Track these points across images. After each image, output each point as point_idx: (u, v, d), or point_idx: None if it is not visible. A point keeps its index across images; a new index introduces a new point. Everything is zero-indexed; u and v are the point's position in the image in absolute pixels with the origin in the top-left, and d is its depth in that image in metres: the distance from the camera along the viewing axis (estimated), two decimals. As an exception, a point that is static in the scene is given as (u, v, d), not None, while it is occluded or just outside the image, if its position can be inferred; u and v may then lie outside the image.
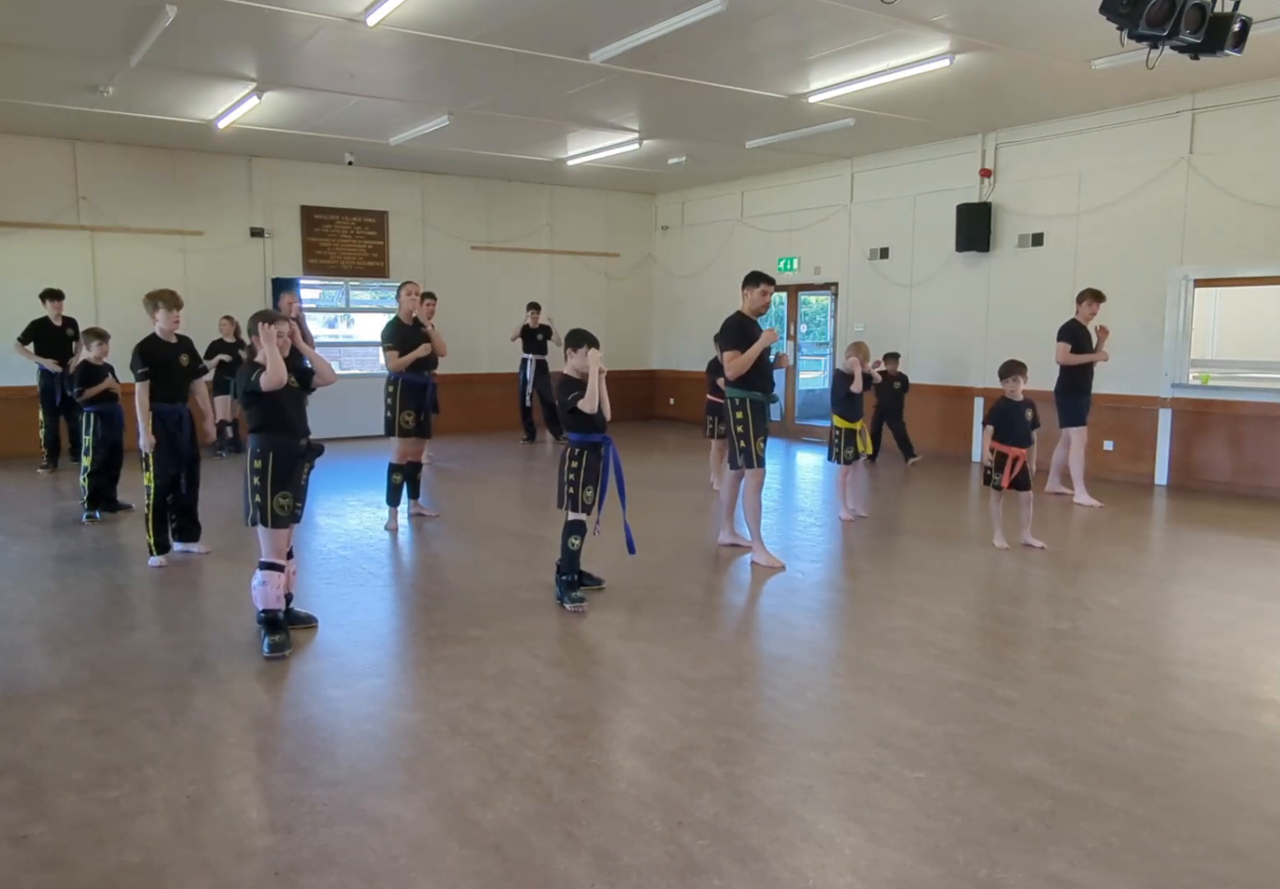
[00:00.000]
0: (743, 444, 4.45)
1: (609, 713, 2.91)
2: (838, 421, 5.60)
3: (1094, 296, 6.18)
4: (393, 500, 5.38)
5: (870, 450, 5.43)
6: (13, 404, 7.98)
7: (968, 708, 2.86)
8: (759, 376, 4.47)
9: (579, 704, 2.96)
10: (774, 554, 4.59)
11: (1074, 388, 6.16)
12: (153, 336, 4.41)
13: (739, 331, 4.48)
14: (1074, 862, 2.01)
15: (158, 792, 2.34)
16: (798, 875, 1.96)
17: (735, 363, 4.40)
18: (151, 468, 4.39)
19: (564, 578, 3.87)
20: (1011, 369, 4.84)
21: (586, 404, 3.68)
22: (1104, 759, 2.51)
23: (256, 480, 3.24)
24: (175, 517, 4.60)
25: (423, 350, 5.25)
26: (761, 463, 4.46)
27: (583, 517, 3.82)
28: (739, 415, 4.45)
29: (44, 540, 5.14)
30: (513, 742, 2.62)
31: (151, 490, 4.42)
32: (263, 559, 3.33)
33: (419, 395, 5.28)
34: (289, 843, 2.08)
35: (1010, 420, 4.80)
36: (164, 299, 4.37)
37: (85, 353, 5.41)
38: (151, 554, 4.47)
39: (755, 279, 4.55)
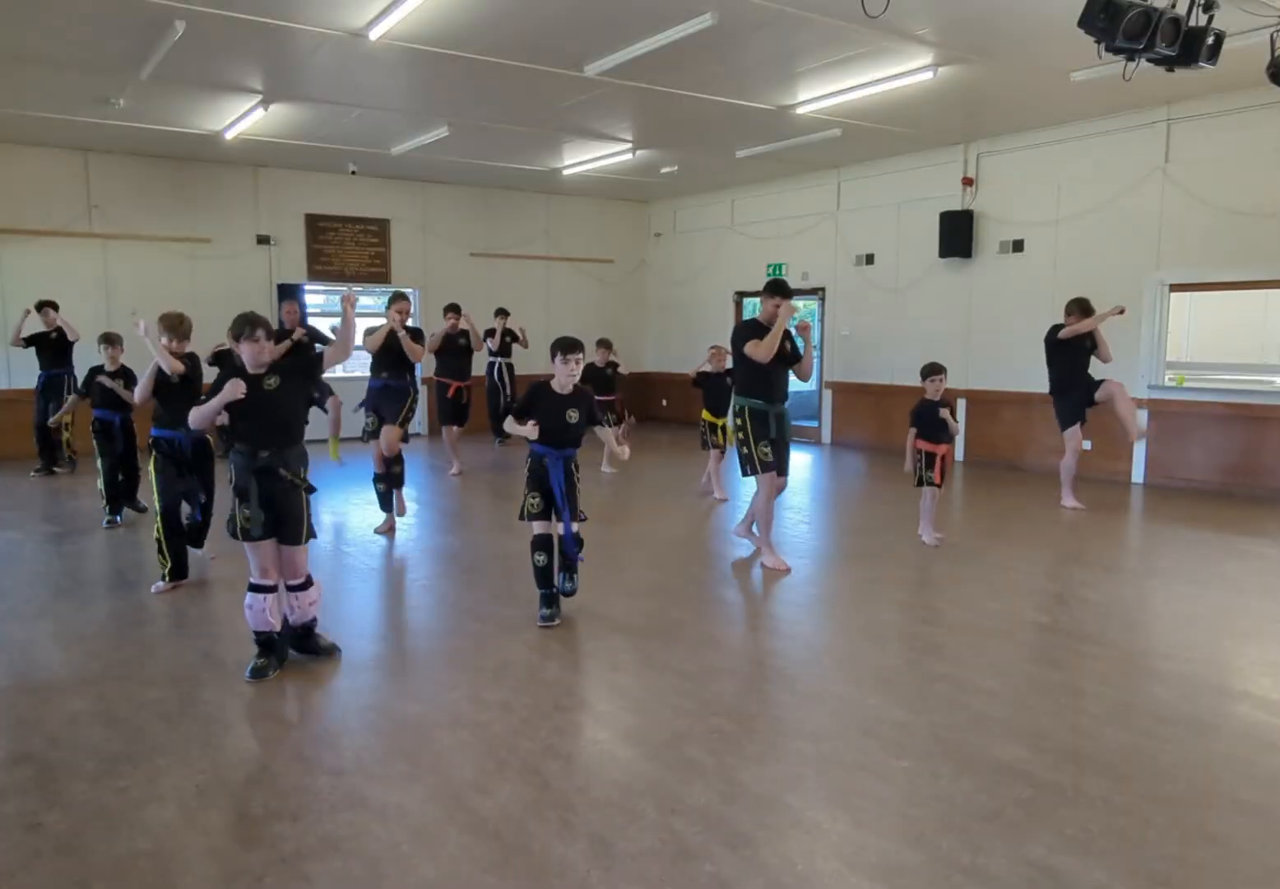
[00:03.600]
0: (744, 450, 4.42)
1: (604, 704, 2.96)
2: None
3: (1081, 310, 5.93)
4: (383, 506, 5.44)
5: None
6: (16, 406, 8.01)
7: (951, 699, 2.91)
8: (761, 384, 4.38)
9: (575, 695, 3.01)
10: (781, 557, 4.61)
11: (1061, 388, 6.10)
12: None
13: (755, 330, 4.40)
14: (1054, 847, 2.06)
15: (167, 781, 2.38)
16: (786, 861, 2.01)
17: (759, 349, 4.26)
18: (156, 494, 4.16)
19: (539, 591, 3.66)
20: (931, 370, 4.93)
21: (509, 426, 3.56)
22: (1083, 749, 2.56)
23: (232, 490, 3.09)
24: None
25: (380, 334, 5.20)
26: (766, 469, 4.38)
27: (540, 529, 3.58)
28: (738, 421, 4.43)
29: (57, 539, 5.20)
30: (511, 732, 2.67)
31: (157, 517, 4.14)
32: (250, 580, 3.12)
33: (373, 397, 5.31)
34: (294, 830, 2.12)
35: (931, 420, 4.92)
36: (160, 323, 4.11)
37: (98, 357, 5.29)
38: (163, 578, 4.16)
39: (768, 289, 4.45)
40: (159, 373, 4.06)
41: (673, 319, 11.53)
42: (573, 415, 3.58)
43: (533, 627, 3.63)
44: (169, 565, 4.16)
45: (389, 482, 5.43)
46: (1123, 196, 7.11)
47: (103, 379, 5.20)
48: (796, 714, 2.83)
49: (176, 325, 4.13)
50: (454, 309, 7.44)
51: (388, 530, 5.39)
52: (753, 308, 10.96)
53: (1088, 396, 6.10)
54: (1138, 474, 7.16)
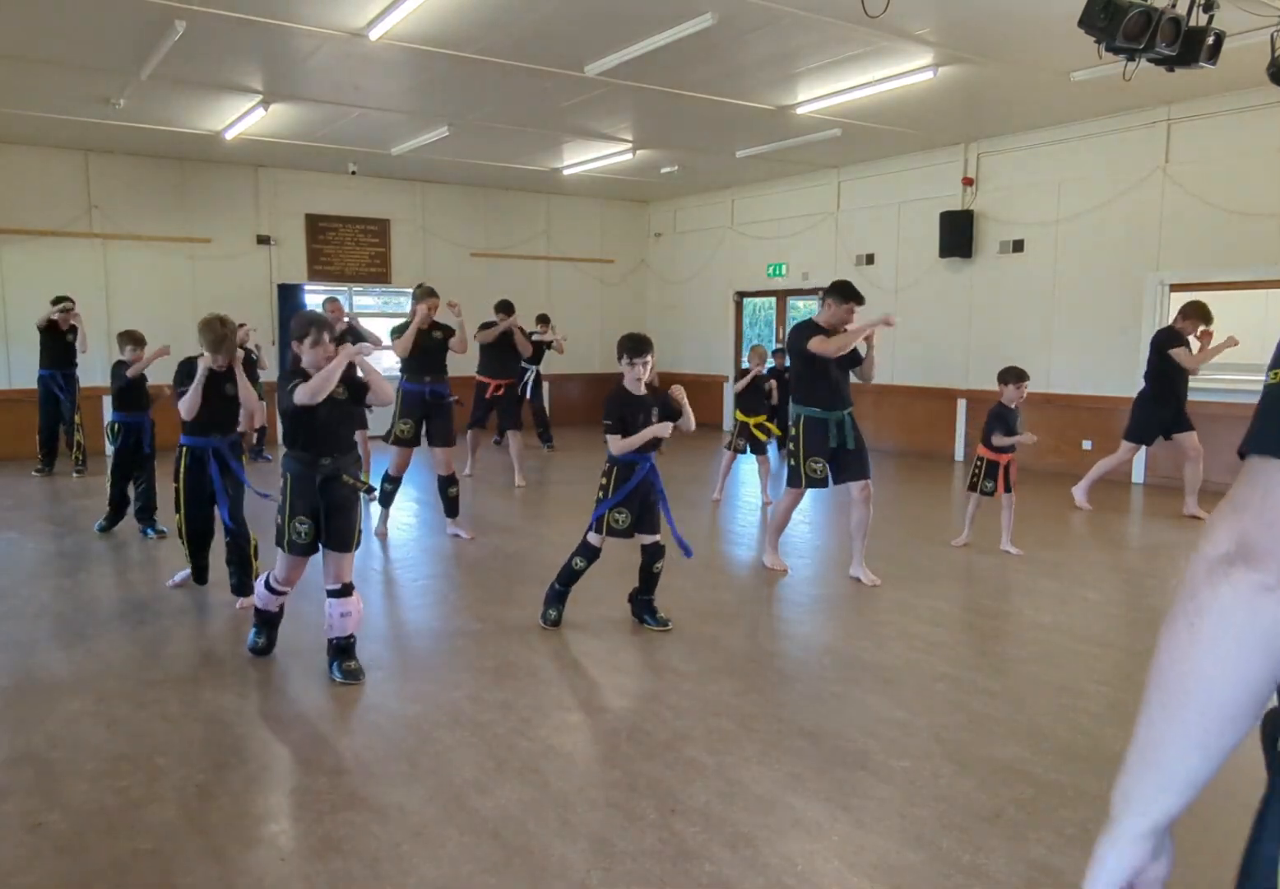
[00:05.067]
0: (791, 462, 4.26)
1: (603, 703, 2.97)
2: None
3: (1201, 316, 5.53)
4: (383, 502, 5.28)
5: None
6: (17, 406, 8.03)
7: (951, 699, 2.92)
8: (820, 390, 4.14)
9: (575, 695, 3.02)
10: (779, 557, 4.58)
11: (1152, 399, 5.78)
12: (191, 359, 3.76)
13: (815, 329, 4.17)
14: (1054, 847, 2.06)
15: (168, 781, 2.39)
16: (786, 861, 2.01)
17: (828, 345, 4.01)
18: (181, 508, 3.87)
19: (555, 587, 3.61)
20: (1011, 375, 4.72)
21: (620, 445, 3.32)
22: (1083, 748, 2.57)
23: (280, 499, 3.04)
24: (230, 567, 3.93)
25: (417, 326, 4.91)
26: (811, 485, 4.19)
27: (596, 539, 3.48)
28: (794, 431, 4.25)
29: (57, 538, 5.21)
30: (511, 732, 2.68)
31: (183, 530, 3.91)
32: (270, 576, 3.13)
33: (416, 402, 5.07)
34: (295, 830, 2.13)
35: (1007, 427, 4.74)
36: (203, 335, 3.64)
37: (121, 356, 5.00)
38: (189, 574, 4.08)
39: (840, 294, 4.19)
40: (209, 381, 3.65)
41: (673, 319, 11.54)
42: (653, 416, 3.44)
43: (533, 627, 3.64)
44: (194, 570, 4.06)
45: (397, 488, 5.30)
46: (1123, 197, 7.12)
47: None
48: (796, 714, 2.83)
49: (220, 342, 3.61)
50: (506, 308, 7.10)
51: (383, 534, 5.30)
52: (753, 308, 11.00)
53: (1171, 421, 5.75)
54: (1138, 474, 7.17)
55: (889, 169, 8.83)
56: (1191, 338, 5.69)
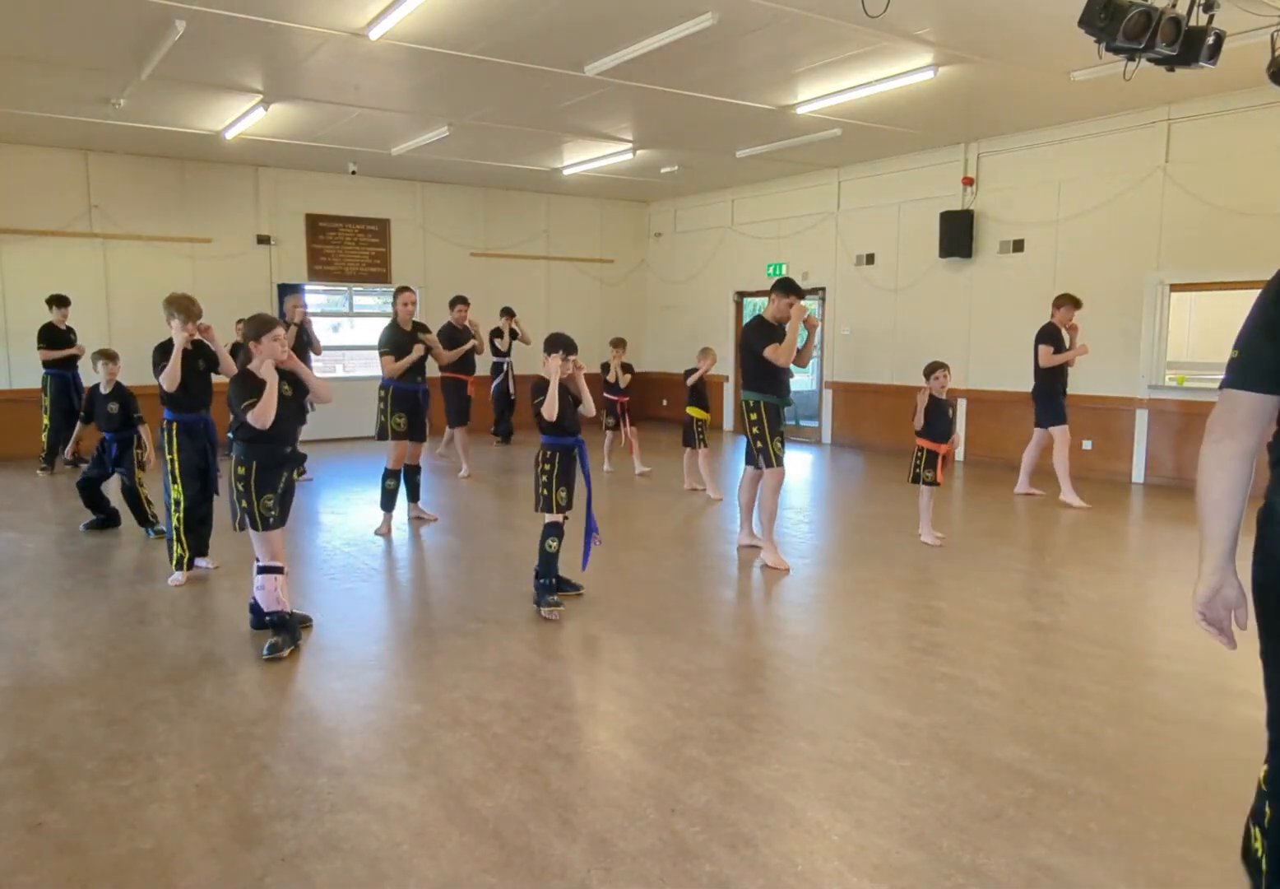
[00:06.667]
0: (760, 444, 4.51)
1: (604, 704, 2.97)
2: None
3: (1072, 302, 6.25)
4: (386, 505, 5.35)
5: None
6: (17, 406, 8.04)
7: (951, 699, 2.93)
8: (773, 380, 4.50)
9: (575, 695, 3.03)
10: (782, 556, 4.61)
11: (1053, 389, 6.29)
12: (170, 341, 4.12)
13: (769, 330, 4.50)
14: (1054, 847, 2.07)
15: (168, 780, 2.39)
16: (787, 861, 2.02)
17: (780, 350, 4.40)
18: (179, 480, 4.17)
19: (541, 581, 3.82)
20: (936, 367, 5.00)
21: (546, 410, 3.67)
22: (1083, 748, 2.57)
23: (241, 486, 3.25)
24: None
25: (417, 352, 5.25)
26: (780, 462, 4.52)
27: (558, 518, 3.81)
28: (753, 417, 4.51)
29: (57, 538, 5.21)
30: (511, 732, 2.68)
31: (181, 504, 4.18)
32: (261, 564, 3.34)
33: (410, 400, 5.28)
34: (295, 830, 2.13)
35: (938, 417, 4.97)
36: (177, 307, 4.06)
37: (95, 375, 5.14)
38: (174, 569, 4.25)
39: (782, 288, 4.50)
40: (185, 356, 4.07)
41: (673, 319, 11.55)
42: (570, 400, 3.84)
43: (532, 627, 3.65)
44: (186, 555, 4.26)
45: (399, 483, 5.40)
46: (1123, 196, 7.12)
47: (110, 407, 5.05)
48: (796, 714, 2.84)
49: (189, 307, 4.09)
50: (462, 301, 7.39)
51: (387, 532, 5.36)
52: (753, 308, 10.99)
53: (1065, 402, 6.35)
54: (1138, 474, 7.17)
55: (889, 169, 8.83)
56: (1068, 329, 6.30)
